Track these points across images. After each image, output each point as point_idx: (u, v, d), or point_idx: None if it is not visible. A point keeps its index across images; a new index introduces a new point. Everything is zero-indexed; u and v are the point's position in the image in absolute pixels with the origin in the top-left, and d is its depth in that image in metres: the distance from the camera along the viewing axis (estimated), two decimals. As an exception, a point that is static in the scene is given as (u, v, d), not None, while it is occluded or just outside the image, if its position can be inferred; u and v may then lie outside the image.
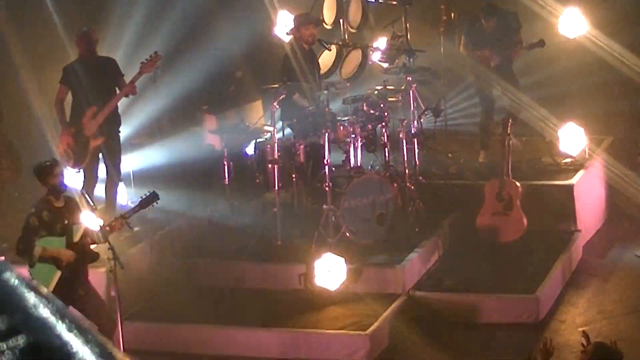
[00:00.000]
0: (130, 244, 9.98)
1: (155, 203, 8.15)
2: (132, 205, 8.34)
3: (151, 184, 11.00)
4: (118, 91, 10.28)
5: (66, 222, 7.99)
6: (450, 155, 11.64)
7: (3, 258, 9.81)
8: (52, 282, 7.92)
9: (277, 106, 10.10)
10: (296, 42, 10.91)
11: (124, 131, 10.80)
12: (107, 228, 7.87)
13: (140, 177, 11.22)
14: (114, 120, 10.43)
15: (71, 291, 7.94)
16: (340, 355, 8.90)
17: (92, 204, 8.09)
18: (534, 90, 11.98)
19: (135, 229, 9.70)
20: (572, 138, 11.51)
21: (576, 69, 12.74)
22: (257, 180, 10.36)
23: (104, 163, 10.49)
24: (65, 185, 8.14)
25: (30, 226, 7.97)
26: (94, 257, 8.13)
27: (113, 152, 10.52)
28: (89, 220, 7.97)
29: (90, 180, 10.25)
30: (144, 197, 8.15)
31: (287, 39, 11.23)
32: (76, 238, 7.96)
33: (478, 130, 11.96)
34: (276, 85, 10.44)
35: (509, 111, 11.38)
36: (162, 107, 11.57)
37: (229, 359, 8.93)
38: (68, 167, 9.87)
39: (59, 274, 7.94)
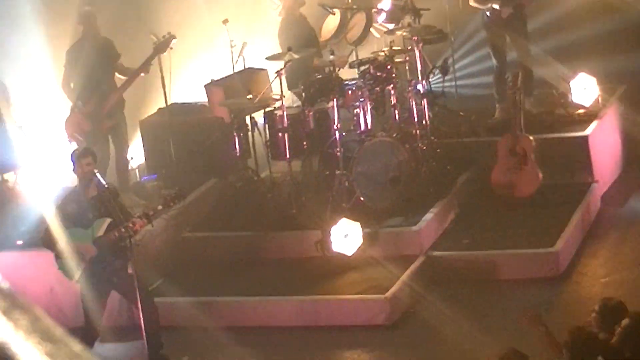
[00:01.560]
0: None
1: (181, 200, 8.08)
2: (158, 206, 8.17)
3: (162, 162, 10.99)
4: (116, 72, 10.34)
5: (96, 213, 7.92)
6: (461, 113, 11.49)
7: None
8: (77, 272, 7.95)
9: (284, 74, 10.02)
10: (291, 7, 10.89)
11: (133, 112, 10.76)
12: (130, 225, 7.81)
13: (151, 157, 11.17)
14: (119, 100, 10.42)
15: (102, 281, 8.00)
16: (360, 320, 8.87)
17: (104, 184, 8.06)
18: (541, 40, 11.76)
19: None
20: (584, 88, 11.37)
21: (582, 15, 12.54)
22: (268, 150, 10.31)
23: (112, 143, 10.46)
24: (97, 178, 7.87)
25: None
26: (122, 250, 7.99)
27: (120, 132, 10.49)
28: (121, 212, 7.88)
29: (103, 161, 10.22)
30: (169, 196, 8.08)
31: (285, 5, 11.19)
32: (100, 232, 7.89)
33: (493, 82, 11.61)
34: (282, 54, 10.37)
35: (520, 64, 11.18)
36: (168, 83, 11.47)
37: (249, 330, 8.92)
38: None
39: (83, 265, 7.93)
